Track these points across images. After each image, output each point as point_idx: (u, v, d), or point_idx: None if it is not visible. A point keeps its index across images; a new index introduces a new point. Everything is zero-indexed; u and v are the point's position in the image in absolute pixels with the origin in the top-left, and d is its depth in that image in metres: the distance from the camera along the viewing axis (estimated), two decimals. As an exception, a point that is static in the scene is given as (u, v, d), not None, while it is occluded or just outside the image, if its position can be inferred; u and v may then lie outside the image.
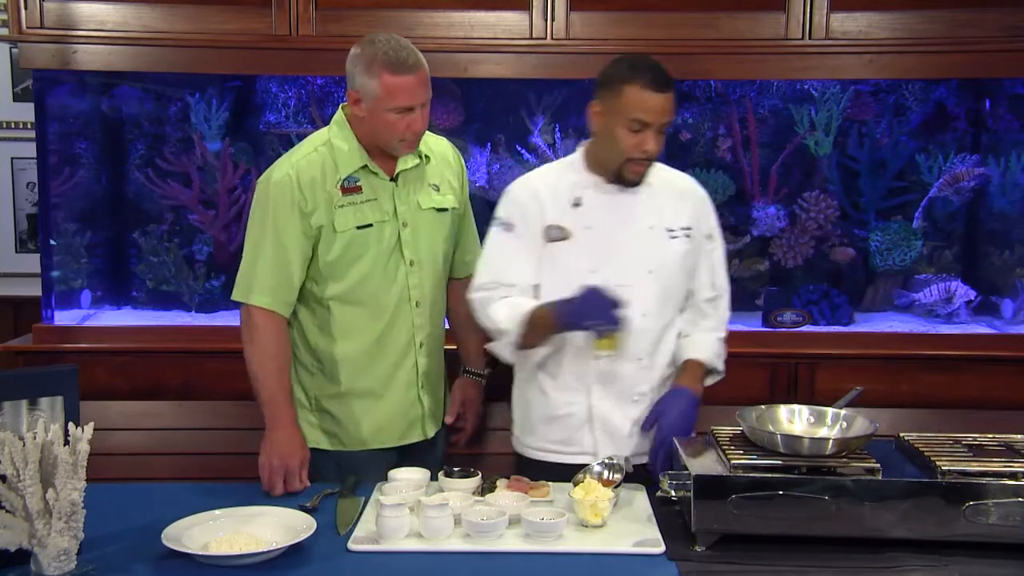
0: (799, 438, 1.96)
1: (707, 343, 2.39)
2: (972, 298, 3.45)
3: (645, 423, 2.27)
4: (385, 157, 2.35)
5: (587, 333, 2.19)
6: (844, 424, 2.06)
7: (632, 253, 2.28)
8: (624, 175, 2.25)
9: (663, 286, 2.31)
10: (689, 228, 2.34)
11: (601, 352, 2.20)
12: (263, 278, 2.29)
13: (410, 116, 2.25)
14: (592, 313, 2.11)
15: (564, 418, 2.33)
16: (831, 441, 1.94)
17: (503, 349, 2.29)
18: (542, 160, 3.55)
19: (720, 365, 2.40)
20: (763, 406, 2.16)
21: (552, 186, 2.32)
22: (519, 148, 3.57)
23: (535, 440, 2.38)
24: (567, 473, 2.17)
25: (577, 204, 2.29)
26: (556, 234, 2.28)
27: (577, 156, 2.35)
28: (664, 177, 2.36)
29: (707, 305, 2.41)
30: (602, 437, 2.30)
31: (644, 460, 2.28)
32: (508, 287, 2.28)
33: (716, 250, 2.42)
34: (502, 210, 2.35)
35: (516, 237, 2.30)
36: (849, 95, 3.49)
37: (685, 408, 2.24)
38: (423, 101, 2.27)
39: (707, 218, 2.40)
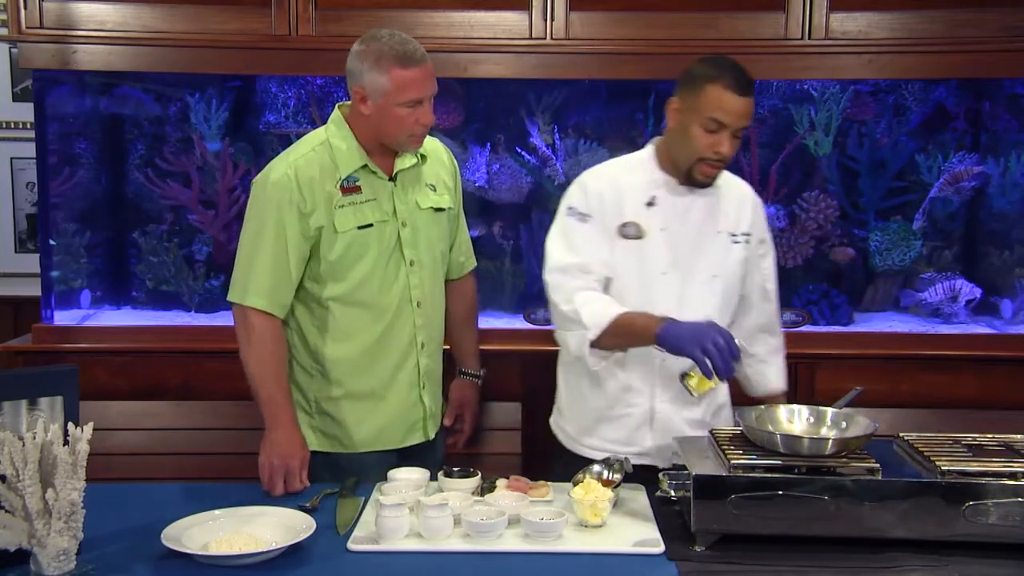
0: (799, 438, 1.96)
1: (781, 370, 2.48)
2: (978, 296, 3.45)
3: None
4: (384, 157, 2.34)
5: (687, 367, 2.12)
6: (844, 424, 2.06)
7: (700, 257, 2.29)
8: (694, 175, 2.23)
9: (725, 291, 2.31)
10: (748, 234, 2.35)
11: (696, 390, 2.13)
12: (260, 279, 2.27)
13: (419, 109, 2.24)
14: (713, 350, 2.00)
15: (624, 417, 2.31)
16: (831, 441, 1.94)
17: (575, 342, 2.23)
18: (542, 160, 3.55)
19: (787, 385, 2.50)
20: (762, 406, 2.17)
21: (627, 182, 2.29)
22: (519, 148, 3.57)
23: (591, 439, 2.35)
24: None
25: (651, 203, 2.27)
26: (632, 231, 2.26)
27: (648, 153, 2.32)
28: (727, 181, 2.36)
29: (762, 317, 2.43)
30: (661, 438, 2.29)
31: None
32: (586, 274, 2.24)
33: (768, 256, 2.43)
34: (577, 199, 2.29)
35: (591, 228, 2.26)
36: (849, 95, 3.49)
37: None
38: (431, 93, 2.26)
39: (762, 224, 2.42)
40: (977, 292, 3.45)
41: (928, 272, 3.51)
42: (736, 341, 2.04)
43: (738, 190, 2.39)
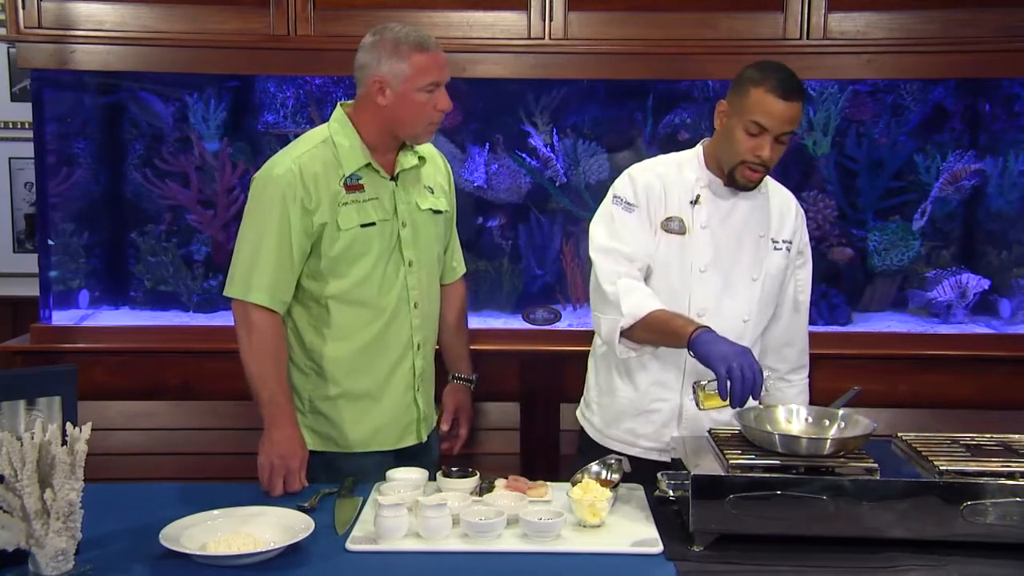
0: (797, 438, 1.96)
1: (802, 390, 2.45)
2: (986, 286, 3.44)
3: None
4: (386, 156, 2.35)
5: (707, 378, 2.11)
6: (842, 424, 2.06)
7: (740, 259, 2.30)
8: (736, 177, 2.25)
9: (764, 295, 2.32)
10: (790, 242, 2.36)
11: (704, 404, 2.11)
12: (263, 275, 2.26)
13: (437, 93, 2.27)
14: (737, 373, 1.96)
15: (652, 413, 2.33)
16: (829, 441, 1.94)
17: (607, 327, 2.22)
18: (541, 161, 3.55)
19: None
20: (761, 406, 2.17)
21: (674, 178, 2.31)
22: (517, 148, 3.57)
23: (620, 433, 2.37)
24: (649, 470, 2.14)
25: (696, 201, 2.29)
26: (676, 226, 2.28)
27: (697, 152, 2.34)
28: (773, 188, 2.39)
29: (790, 329, 2.41)
30: (687, 435, 2.29)
31: None
32: (630, 262, 2.24)
33: (805, 266, 2.43)
34: (625, 190, 2.30)
35: (637, 218, 2.28)
36: (847, 95, 3.49)
37: None
38: (448, 78, 2.29)
39: (803, 233, 2.42)
40: (985, 283, 3.44)
41: (931, 271, 3.51)
42: (763, 376, 2.02)
43: (783, 197, 2.40)
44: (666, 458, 2.25)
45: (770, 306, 2.35)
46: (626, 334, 2.19)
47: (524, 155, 3.56)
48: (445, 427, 2.58)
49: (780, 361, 2.44)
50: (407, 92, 2.25)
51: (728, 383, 1.97)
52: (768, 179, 2.38)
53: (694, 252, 2.27)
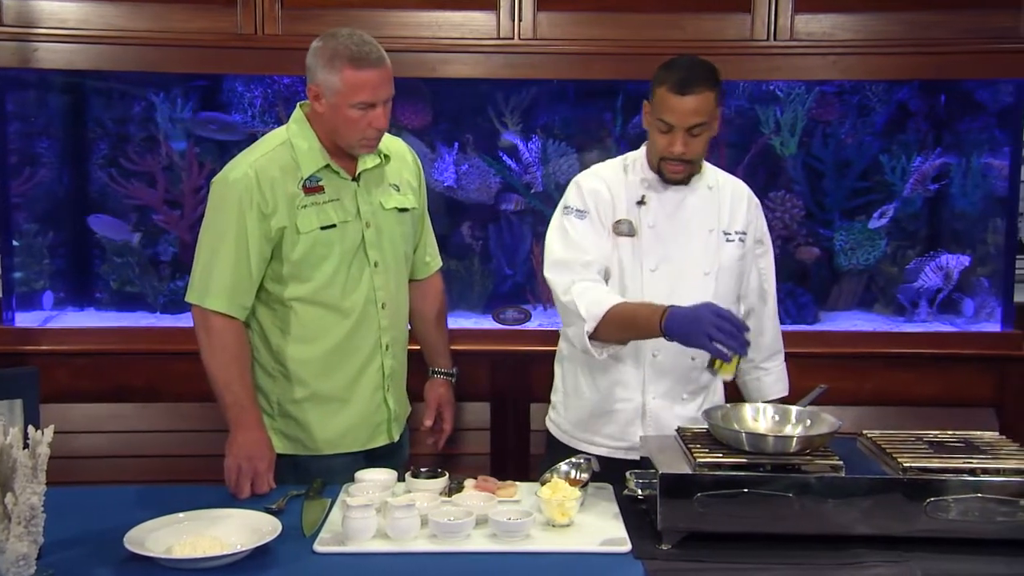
0: (763, 436, 1.98)
1: (780, 376, 2.50)
2: (967, 263, 3.47)
3: None
4: (346, 156, 2.33)
5: (702, 353, 2.12)
6: (808, 422, 2.08)
7: (691, 254, 2.31)
8: (663, 174, 2.29)
9: (718, 289, 2.33)
10: (744, 233, 2.38)
11: (723, 373, 2.11)
12: (220, 281, 2.24)
13: (372, 113, 2.22)
14: (719, 335, 2.00)
15: (616, 413, 2.34)
16: (795, 439, 1.96)
17: (575, 334, 2.22)
18: (512, 160, 3.55)
19: (787, 388, 2.51)
20: (728, 404, 2.18)
21: (621, 181, 2.34)
22: (487, 148, 3.57)
23: (586, 433, 2.39)
24: (616, 469, 2.15)
25: (642, 202, 2.31)
26: (626, 229, 2.30)
27: (641, 153, 2.37)
28: (723, 179, 2.41)
29: (759, 318, 2.44)
30: (651, 433, 2.31)
31: None
32: (585, 267, 2.25)
33: (766, 255, 2.46)
34: (574, 199, 2.33)
35: (591, 223, 2.30)
36: (814, 96, 3.52)
37: None
38: (386, 97, 2.24)
39: (759, 223, 2.45)
40: (965, 260, 3.47)
41: (910, 262, 3.54)
42: (736, 311, 2.06)
43: (733, 189, 2.42)
44: (634, 456, 2.25)
45: (726, 299, 2.35)
46: (596, 336, 2.19)
47: (494, 155, 3.56)
48: (428, 423, 2.58)
49: (754, 350, 2.43)
50: (339, 106, 2.21)
51: (719, 346, 1.99)
52: (719, 172, 2.42)
53: (644, 252, 2.30)
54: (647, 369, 2.31)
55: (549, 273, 2.29)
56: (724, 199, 2.37)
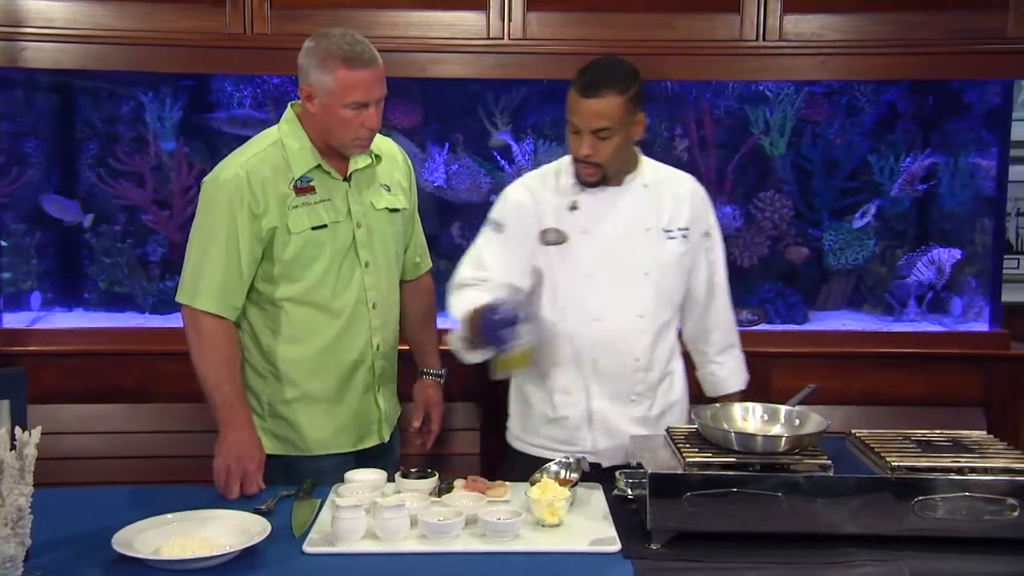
0: (752, 436, 1.98)
1: (735, 369, 2.50)
2: (958, 256, 3.48)
3: None
4: (337, 157, 2.32)
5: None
6: (797, 421, 2.08)
7: (628, 255, 2.30)
8: (578, 175, 2.28)
9: (660, 287, 2.32)
10: (687, 229, 2.35)
11: (505, 371, 2.14)
12: (210, 281, 2.24)
13: (364, 112, 2.22)
14: (487, 336, 2.05)
15: (563, 420, 2.34)
16: (784, 439, 1.96)
17: (457, 348, 2.23)
18: (505, 159, 3.55)
19: (746, 379, 2.51)
20: (718, 404, 2.19)
21: (551, 189, 2.33)
22: (477, 148, 3.57)
23: (537, 439, 2.39)
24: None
25: (574, 207, 2.29)
26: (553, 237, 2.29)
27: (570, 158, 2.34)
28: (663, 177, 2.38)
29: (709, 312, 2.45)
30: (601, 437, 2.32)
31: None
32: (481, 281, 2.27)
33: (714, 248, 2.44)
34: (496, 211, 2.35)
35: (505, 238, 2.31)
36: (803, 96, 3.53)
37: None
38: (378, 97, 2.24)
39: (706, 216, 2.42)
40: (957, 253, 3.49)
41: (902, 258, 3.54)
42: (508, 307, 2.03)
43: (676, 185, 2.39)
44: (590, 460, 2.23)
45: (671, 297, 2.36)
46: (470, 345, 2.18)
47: (485, 155, 3.56)
48: (416, 423, 2.58)
49: (706, 345, 2.48)
50: (332, 106, 2.21)
51: (488, 346, 2.03)
52: (661, 168, 2.39)
53: (577, 259, 2.28)
54: (589, 374, 2.31)
55: (451, 299, 2.30)
56: (663, 195, 2.34)
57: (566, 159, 2.35)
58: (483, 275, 2.29)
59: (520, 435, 2.43)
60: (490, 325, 2.04)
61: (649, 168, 2.36)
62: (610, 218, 2.29)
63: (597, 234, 2.29)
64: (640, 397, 2.34)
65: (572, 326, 2.29)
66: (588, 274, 2.27)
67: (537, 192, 2.33)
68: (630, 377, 2.32)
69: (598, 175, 2.26)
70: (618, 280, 2.28)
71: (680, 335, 2.48)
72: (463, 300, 2.23)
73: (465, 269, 2.34)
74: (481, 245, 2.34)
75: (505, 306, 2.05)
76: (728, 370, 2.50)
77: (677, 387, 2.43)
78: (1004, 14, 3.13)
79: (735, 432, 1.99)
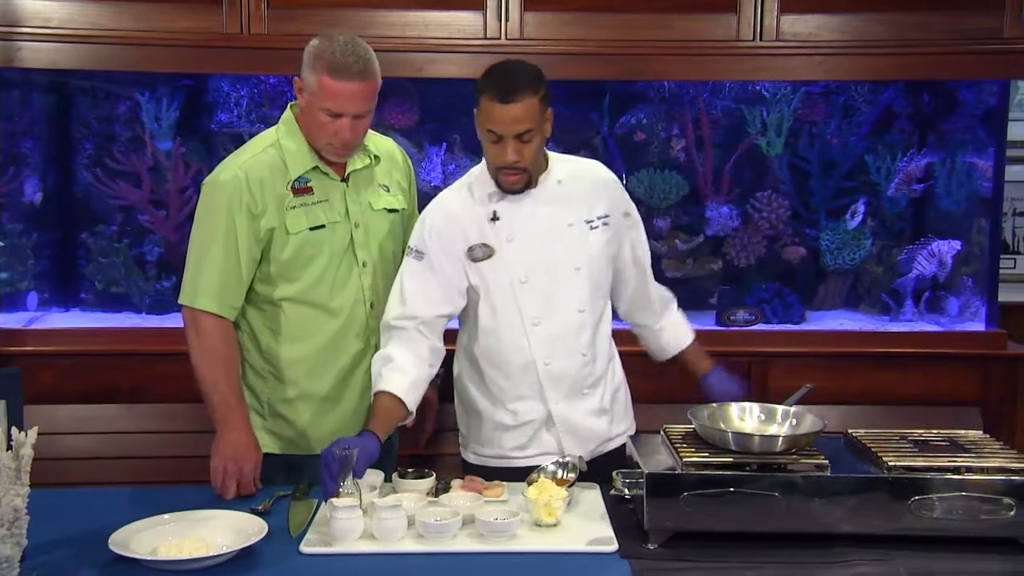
0: (749, 436, 1.98)
1: (679, 323, 2.51)
2: (958, 247, 3.49)
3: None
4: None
5: None
6: (794, 421, 2.09)
7: (558, 254, 2.28)
8: (500, 184, 2.24)
9: (592, 279, 2.31)
10: (606, 216, 2.34)
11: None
12: (209, 281, 2.25)
13: (338, 122, 2.22)
14: (324, 466, 1.97)
15: (523, 426, 2.32)
16: (780, 439, 1.96)
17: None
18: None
19: (692, 330, 2.54)
20: (714, 404, 2.19)
21: (468, 206, 2.28)
22: (475, 148, 3.57)
23: (491, 449, 2.35)
24: (526, 475, 2.16)
25: (495, 218, 2.26)
26: (481, 253, 2.26)
27: (482, 168, 2.30)
28: (572, 170, 2.35)
29: (644, 287, 2.46)
30: (564, 435, 2.31)
31: (606, 449, 2.35)
32: (410, 319, 2.23)
33: (635, 227, 2.43)
34: (415, 238, 2.28)
35: (426, 267, 2.25)
36: (800, 96, 3.54)
37: (731, 379, 2.45)
38: (356, 112, 2.23)
39: (621, 200, 2.40)
40: (956, 244, 3.49)
41: (903, 252, 3.55)
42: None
43: (587, 175, 2.37)
44: (548, 460, 2.22)
45: (602, 285, 2.35)
46: None
47: (482, 155, 3.55)
48: (411, 423, 2.57)
49: (646, 316, 2.49)
50: (312, 105, 2.23)
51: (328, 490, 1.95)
52: (570, 161, 2.37)
53: (508, 268, 2.25)
54: (542, 378, 2.29)
55: (382, 327, 2.26)
56: (578, 188, 2.32)
57: (475, 171, 2.32)
58: (410, 312, 2.23)
59: (473, 447, 2.39)
60: (331, 460, 1.96)
61: (558, 164, 2.33)
62: (532, 221, 2.26)
63: (523, 239, 2.26)
64: (591, 389, 2.33)
65: (515, 334, 2.27)
66: (523, 281, 2.25)
67: (455, 212, 2.28)
68: (579, 372, 2.31)
69: (523, 180, 2.22)
70: (554, 280, 2.27)
71: (615, 316, 2.48)
72: (386, 377, 2.17)
73: (392, 306, 2.26)
74: (404, 278, 2.27)
75: (353, 450, 1.98)
76: (670, 333, 2.49)
77: (618, 371, 2.44)
78: (1000, 14, 3.13)
79: (732, 432, 1.99)
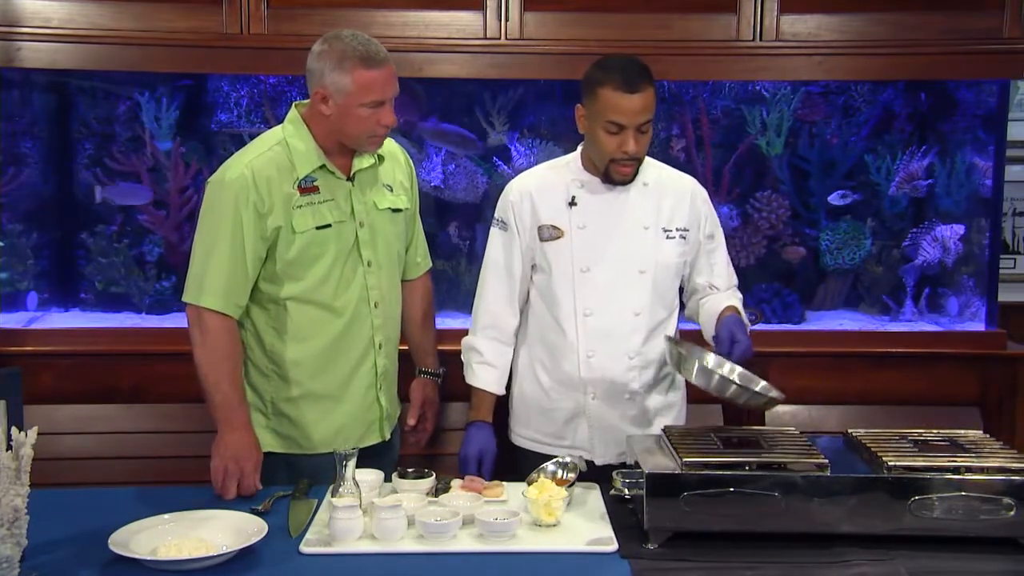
0: (711, 372, 2.10)
1: (730, 295, 2.43)
2: (961, 231, 3.48)
3: (720, 347, 2.21)
4: (341, 157, 2.33)
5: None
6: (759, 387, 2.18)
7: (625, 253, 2.31)
8: (611, 176, 2.28)
9: (655, 286, 2.33)
10: (686, 229, 2.36)
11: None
12: (215, 280, 2.25)
13: (381, 110, 2.24)
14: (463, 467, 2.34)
15: (555, 412, 2.36)
16: (734, 386, 2.08)
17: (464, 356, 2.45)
18: (502, 159, 3.55)
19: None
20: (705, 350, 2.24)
21: (548, 185, 2.35)
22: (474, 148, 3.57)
23: (528, 431, 2.43)
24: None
25: (573, 203, 2.32)
26: (549, 234, 2.32)
27: (576, 155, 2.37)
28: (664, 176, 2.39)
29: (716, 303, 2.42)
30: (597, 433, 2.33)
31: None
32: (494, 327, 2.41)
33: (717, 250, 2.44)
34: (499, 209, 2.40)
35: (510, 237, 2.36)
36: (800, 96, 3.54)
37: (741, 329, 2.24)
38: (393, 95, 2.26)
39: (707, 218, 2.42)
40: (960, 228, 3.48)
41: (912, 230, 3.54)
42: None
43: (677, 185, 2.40)
44: (578, 455, 2.25)
45: (665, 296, 2.37)
46: None
47: (482, 155, 3.56)
48: (412, 422, 2.58)
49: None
50: (349, 106, 2.23)
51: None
52: (662, 168, 2.41)
53: (573, 253, 2.30)
54: (583, 369, 2.33)
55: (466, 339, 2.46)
56: (663, 195, 2.36)
57: (567, 157, 2.38)
58: (492, 321, 2.42)
59: (514, 427, 2.47)
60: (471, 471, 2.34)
61: (651, 167, 2.38)
62: (608, 215, 2.31)
63: (594, 230, 2.30)
64: (634, 395, 2.34)
65: (565, 320, 2.31)
66: (585, 270, 2.28)
67: (536, 189, 2.35)
68: (624, 375, 2.32)
69: (635, 171, 2.28)
70: (616, 276, 2.30)
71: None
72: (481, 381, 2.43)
73: (477, 315, 2.45)
74: (488, 287, 2.43)
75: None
76: (730, 294, 2.44)
77: (675, 390, 2.43)
78: (1000, 14, 3.13)
79: (698, 363, 2.08)
